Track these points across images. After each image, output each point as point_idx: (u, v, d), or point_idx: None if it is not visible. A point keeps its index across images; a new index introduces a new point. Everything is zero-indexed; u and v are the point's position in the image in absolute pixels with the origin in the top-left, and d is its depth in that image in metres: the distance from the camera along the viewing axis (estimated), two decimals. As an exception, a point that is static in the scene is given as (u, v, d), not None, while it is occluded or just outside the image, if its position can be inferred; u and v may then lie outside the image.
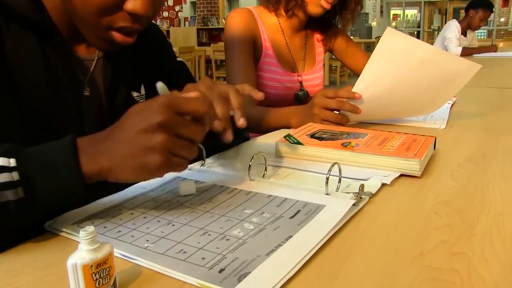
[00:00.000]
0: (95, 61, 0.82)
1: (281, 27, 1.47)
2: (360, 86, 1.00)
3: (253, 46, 1.39)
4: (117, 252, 0.49)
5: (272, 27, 1.45)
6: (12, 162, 0.50)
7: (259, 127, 1.22)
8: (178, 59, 1.03)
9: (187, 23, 9.86)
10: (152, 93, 0.91)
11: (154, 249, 0.50)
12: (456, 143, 0.98)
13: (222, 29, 9.67)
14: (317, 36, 1.58)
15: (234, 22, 1.37)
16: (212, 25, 9.59)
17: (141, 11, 0.69)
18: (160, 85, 0.64)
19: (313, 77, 1.53)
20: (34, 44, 0.71)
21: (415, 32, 16.99)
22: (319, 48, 1.58)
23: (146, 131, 0.52)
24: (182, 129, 0.54)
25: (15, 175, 0.50)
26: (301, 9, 1.41)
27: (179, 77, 0.99)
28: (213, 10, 11.40)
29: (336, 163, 0.65)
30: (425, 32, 16.90)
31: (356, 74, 1.60)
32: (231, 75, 1.35)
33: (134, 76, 0.89)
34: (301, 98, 1.48)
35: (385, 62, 0.98)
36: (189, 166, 0.77)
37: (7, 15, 0.68)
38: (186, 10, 15.82)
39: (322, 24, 1.54)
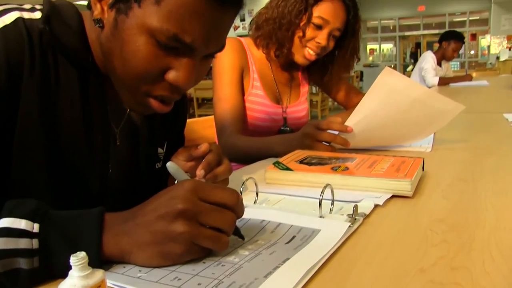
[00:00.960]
0: (128, 111, 0.80)
1: (268, 61, 1.48)
2: (353, 120, 1.03)
3: (242, 75, 1.39)
4: (109, 282, 0.47)
5: (260, 60, 1.46)
6: (35, 227, 0.48)
7: (246, 157, 1.21)
8: None
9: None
10: (169, 153, 0.89)
11: (148, 278, 0.48)
12: (444, 164, 0.98)
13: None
14: (305, 76, 1.59)
15: (224, 51, 1.36)
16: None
17: (183, 84, 0.66)
18: (170, 165, 0.62)
19: (298, 109, 1.54)
20: (75, 81, 0.69)
21: (392, 66, 17.41)
22: (304, 80, 1.59)
23: (166, 218, 0.50)
24: (207, 218, 0.51)
25: (35, 243, 0.47)
26: (288, 57, 1.41)
27: (178, 144, 0.98)
28: (193, 50, 11.55)
29: (328, 185, 0.65)
30: (401, 65, 17.34)
31: (342, 107, 1.62)
32: (219, 104, 1.35)
33: (161, 132, 0.88)
34: (283, 133, 1.48)
35: (380, 99, 1.01)
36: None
37: (55, 47, 0.67)
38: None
39: (315, 68, 1.54)
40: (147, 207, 0.52)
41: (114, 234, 0.51)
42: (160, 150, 0.88)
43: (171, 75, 0.65)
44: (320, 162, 0.87)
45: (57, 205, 0.68)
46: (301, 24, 1.33)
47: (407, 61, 13.91)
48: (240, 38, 1.46)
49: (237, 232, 0.56)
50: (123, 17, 0.63)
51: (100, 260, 0.49)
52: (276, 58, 1.44)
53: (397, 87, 1.01)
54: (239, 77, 1.37)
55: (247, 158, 1.21)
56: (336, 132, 1.02)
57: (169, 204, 0.50)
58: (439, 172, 0.91)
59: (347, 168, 0.82)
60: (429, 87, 4.10)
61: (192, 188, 0.51)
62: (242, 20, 14.64)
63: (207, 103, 7.45)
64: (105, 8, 0.65)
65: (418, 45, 17.23)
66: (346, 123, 1.01)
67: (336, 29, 1.35)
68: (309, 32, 1.34)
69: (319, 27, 1.33)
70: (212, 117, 1.61)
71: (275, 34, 1.36)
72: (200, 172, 0.72)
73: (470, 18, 16.20)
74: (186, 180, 0.54)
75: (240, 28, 14.80)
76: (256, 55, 1.45)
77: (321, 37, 1.33)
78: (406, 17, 16.95)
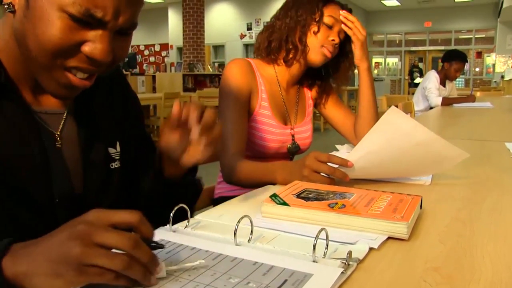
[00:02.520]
0: (64, 114, 0.82)
1: (277, 79, 1.50)
2: (354, 155, 1.03)
3: (248, 98, 1.41)
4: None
5: (269, 79, 1.48)
6: None
7: (246, 180, 1.22)
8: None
9: (173, 68, 9.98)
10: (126, 151, 0.92)
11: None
12: (442, 201, 0.98)
13: (207, 75, 9.81)
14: (309, 93, 1.61)
15: (232, 73, 1.39)
16: (197, 71, 9.71)
17: (99, 55, 0.69)
18: None
19: (303, 129, 1.55)
20: None
21: (396, 80, 17.44)
22: (309, 100, 1.61)
23: (63, 241, 0.51)
24: (103, 238, 0.51)
25: None
26: (302, 57, 1.44)
27: (144, 145, 1.00)
28: (199, 56, 11.58)
29: (324, 229, 0.64)
30: (405, 80, 17.37)
31: (341, 135, 1.62)
32: (224, 125, 1.34)
33: (110, 132, 0.88)
34: (292, 151, 1.48)
35: (383, 138, 1.02)
36: (174, 227, 0.75)
37: None
38: (172, 56, 16.08)
39: (316, 80, 1.58)
40: (55, 231, 0.54)
41: (14, 257, 0.52)
42: (112, 150, 0.88)
43: (87, 47, 0.68)
44: (317, 197, 0.87)
45: (6, 220, 0.70)
46: (316, 21, 1.42)
47: (414, 75, 13.83)
48: (249, 59, 1.47)
49: (152, 244, 0.55)
50: None
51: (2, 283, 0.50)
52: (285, 64, 1.47)
53: (402, 128, 1.01)
54: (245, 99, 1.39)
55: (247, 182, 1.21)
56: (336, 166, 1.02)
57: (70, 229, 0.52)
58: (437, 210, 0.90)
59: (344, 206, 0.81)
60: (432, 107, 4.10)
61: (95, 214, 0.53)
62: (249, 29, 14.71)
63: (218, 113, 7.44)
64: None
65: (420, 59, 17.23)
66: (348, 158, 1.01)
67: (342, 31, 1.45)
68: (322, 31, 1.42)
69: (329, 27, 1.42)
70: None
71: (290, 35, 1.43)
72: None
73: (476, 36, 16.26)
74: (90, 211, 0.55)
75: (246, 36, 14.88)
76: (265, 75, 1.46)
77: (334, 35, 1.43)
78: (412, 32, 17.02)
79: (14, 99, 0.74)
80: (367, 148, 1.02)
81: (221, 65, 10.54)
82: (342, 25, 1.43)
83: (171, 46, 16.16)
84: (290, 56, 1.45)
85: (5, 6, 0.69)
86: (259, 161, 1.46)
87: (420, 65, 17.15)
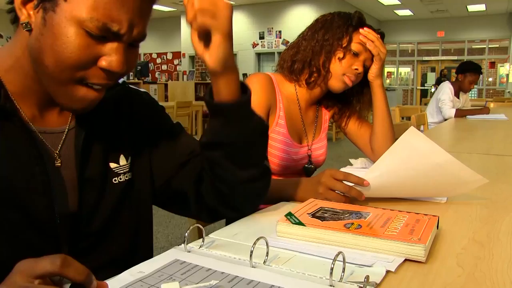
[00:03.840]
0: (65, 132, 0.83)
1: (297, 97, 1.49)
2: (371, 174, 1.02)
3: (267, 114, 1.40)
4: None
5: (289, 97, 1.47)
6: None
7: None
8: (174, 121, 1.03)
9: (185, 76, 10.03)
10: (136, 163, 0.92)
11: None
12: (459, 221, 0.96)
13: (219, 84, 9.83)
14: (328, 112, 1.60)
15: (253, 87, 1.37)
16: (210, 79, 9.74)
17: (116, 67, 0.71)
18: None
19: (319, 146, 1.55)
20: None
21: (408, 90, 17.36)
22: (326, 115, 1.60)
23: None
24: None
25: None
26: (323, 82, 1.43)
27: (176, 137, 0.99)
28: (211, 65, 11.61)
29: (341, 252, 0.64)
30: (417, 89, 17.30)
31: (357, 147, 1.60)
32: None
33: (113, 147, 0.88)
34: (308, 170, 1.47)
35: (400, 158, 1.01)
36: (188, 246, 0.75)
37: None
38: (184, 64, 16.16)
39: (337, 102, 1.57)
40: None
41: None
42: (114, 164, 0.88)
43: (104, 61, 0.71)
44: (333, 216, 0.86)
45: (7, 239, 0.70)
46: (342, 48, 1.40)
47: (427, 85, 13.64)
48: (270, 74, 1.46)
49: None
50: (51, 14, 0.68)
51: None
52: (306, 86, 1.46)
53: (420, 149, 1.00)
54: (264, 115, 1.38)
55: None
56: (352, 184, 1.01)
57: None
58: (454, 231, 0.89)
59: (360, 226, 0.80)
60: (446, 119, 4.07)
61: (18, 278, 0.53)
62: (261, 38, 14.75)
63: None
64: (31, 12, 0.71)
65: (433, 69, 17.18)
66: (364, 176, 1.00)
67: (369, 59, 1.43)
68: (348, 58, 1.40)
69: (356, 54, 1.40)
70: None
71: (313, 59, 1.42)
72: None
73: (490, 46, 16.15)
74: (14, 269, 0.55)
75: (259, 45, 14.91)
76: (285, 92, 1.46)
77: (358, 64, 1.41)
78: (425, 41, 16.95)
79: (14, 120, 0.75)
80: (384, 167, 1.02)
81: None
82: (367, 43, 1.40)
83: (183, 55, 16.25)
84: (312, 79, 1.44)
85: (23, 25, 0.71)
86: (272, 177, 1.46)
87: (432, 74, 17.08)
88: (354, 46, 1.40)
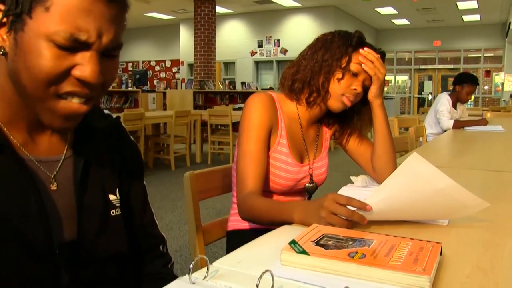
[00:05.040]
0: (61, 160, 0.83)
1: (299, 116, 1.49)
2: (374, 199, 1.02)
3: (269, 134, 1.40)
4: None
5: (290, 115, 1.47)
6: None
7: (262, 219, 1.21)
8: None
9: (183, 84, 10.04)
10: (125, 199, 0.93)
11: None
12: (461, 245, 0.96)
13: (218, 93, 9.85)
14: (329, 130, 1.60)
15: (255, 107, 1.38)
16: (208, 88, 9.76)
17: (89, 76, 0.71)
18: None
19: (320, 165, 1.55)
20: None
21: (406, 98, 17.41)
22: (327, 134, 1.60)
23: None
24: None
25: None
26: (322, 102, 1.44)
27: (138, 200, 1.00)
28: (209, 73, 11.65)
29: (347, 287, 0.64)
30: (414, 97, 17.36)
31: (362, 169, 1.59)
32: (242, 159, 1.35)
33: (110, 179, 0.89)
34: (309, 190, 1.47)
35: (404, 183, 1.02)
36: (193, 278, 0.75)
37: None
38: (183, 72, 16.21)
39: (338, 120, 1.57)
40: None
41: None
42: (112, 196, 0.88)
43: (77, 71, 0.71)
44: (337, 244, 0.86)
45: (6, 268, 0.70)
46: (341, 68, 1.39)
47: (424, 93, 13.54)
48: (272, 94, 1.46)
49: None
50: (20, 33, 0.69)
51: None
52: (306, 105, 1.46)
53: (423, 175, 1.01)
54: (266, 135, 1.38)
55: (262, 220, 1.21)
56: (354, 208, 1.01)
57: None
58: (457, 256, 0.89)
59: (364, 255, 0.80)
60: (444, 130, 4.08)
61: None
62: (260, 46, 14.81)
63: (221, 129, 7.48)
64: (5, 36, 0.71)
65: (430, 78, 17.25)
66: (366, 201, 1.01)
67: (369, 78, 1.42)
68: (347, 79, 1.40)
69: (355, 75, 1.39)
70: (229, 166, 1.61)
71: (313, 78, 1.41)
72: None
73: (485, 55, 16.26)
74: None
75: (257, 53, 14.97)
76: (286, 111, 1.46)
77: (357, 84, 1.40)
78: (422, 50, 17.05)
79: (5, 151, 0.75)
80: (387, 192, 1.02)
81: (232, 83, 10.57)
82: (363, 64, 1.40)
83: (182, 62, 16.29)
84: (311, 98, 1.44)
85: None
86: (273, 196, 1.46)
87: (429, 83, 17.14)
88: (353, 67, 1.39)
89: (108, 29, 0.72)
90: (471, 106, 14.03)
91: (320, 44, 1.45)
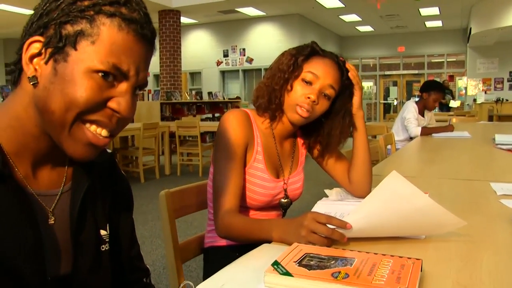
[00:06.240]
0: (59, 194, 0.83)
1: (272, 132, 1.48)
2: (353, 217, 1.03)
3: (245, 151, 1.39)
4: None
5: (265, 131, 1.47)
6: None
7: (240, 238, 1.20)
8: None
9: (150, 95, 9.93)
10: (114, 233, 0.93)
11: None
12: (440, 260, 0.97)
13: (185, 103, 9.78)
14: (303, 142, 1.59)
15: (231, 125, 1.36)
16: (175, 99, 9.68)
17: (123, 111, 0.75)
18: None
19: (295, 179, 1.54)
20: None
21: (372, 104, 17.72)
22: (302, 149, 1.59)
23: None
24: None
25: None
26: (284, 116, 1.43)
27: (127, 234, 1.00)
28: (176, 84, 11.56)
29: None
30: (380, 103, 17.68)
31: (336, 182, 1.59)
32: (219, 177, 1.33)
33: (102, 214, 0.90)
34: (284, 205, 1.47)
35: (383, 201, 1.03)
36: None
37: None
38: (149, 83, 16.01)
39: (311, 134, 1.55)
40: None
41: None
42: (103, 232, 0.89)
43: (114, 103, 0.74)
44: (319, 264, 0.86)
45: None
46: (291, 78, 1.37)
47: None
48: (247, 110, 1.46)
49: None
50: (63, 63, 0.72)
51: None
52: (270, 120, 1.46)
53: (401, 193, 1.02)
54: (242, 152, 1.37)
55: (241, 238, 1.20)
56: (334, 226, 1.02)
57: None
58: (437, 272, 0.90)
59: (347, 275, 0.80)
60: (412, 138, 4.16)
61: None
62: (225, 56, 14.83)
63: (189, 140, 7.43)
64: (37, 66, 0.73)
65: (395, 83, 17.62)
66: (346, 219, 1.01)
67: (327, 86, 1.38)
68: (300, 88, 1.37)
69: (309, 83, 1.37)
70: (204, 182, 1.59)
71: (270, 93, 1.40)
72: None
73: (448, 60, 16.71)
74: None
75: (223, 63, 14.98)
76: (261, 127, 1.46)
77: (311, 92, 1.36)
78: (386, 56, 17.40)
79: (8, 182, 0.74)
80: (366, 210, 1.03)
81: (198, 93, 10.51)
82: (349, 73, 1.40)
83: (148, 73, 16.14)
84: (272, 113, 1.43)
85: (29, 79, 0.73)
86: (249, 212, 1.45)
87: (394, 88, 17.49)
88: (305, 75, 1.37)
89: (144, 67, 0.78)
90: (438, 110, 14.38)
91: (277, 59, 1.46)
